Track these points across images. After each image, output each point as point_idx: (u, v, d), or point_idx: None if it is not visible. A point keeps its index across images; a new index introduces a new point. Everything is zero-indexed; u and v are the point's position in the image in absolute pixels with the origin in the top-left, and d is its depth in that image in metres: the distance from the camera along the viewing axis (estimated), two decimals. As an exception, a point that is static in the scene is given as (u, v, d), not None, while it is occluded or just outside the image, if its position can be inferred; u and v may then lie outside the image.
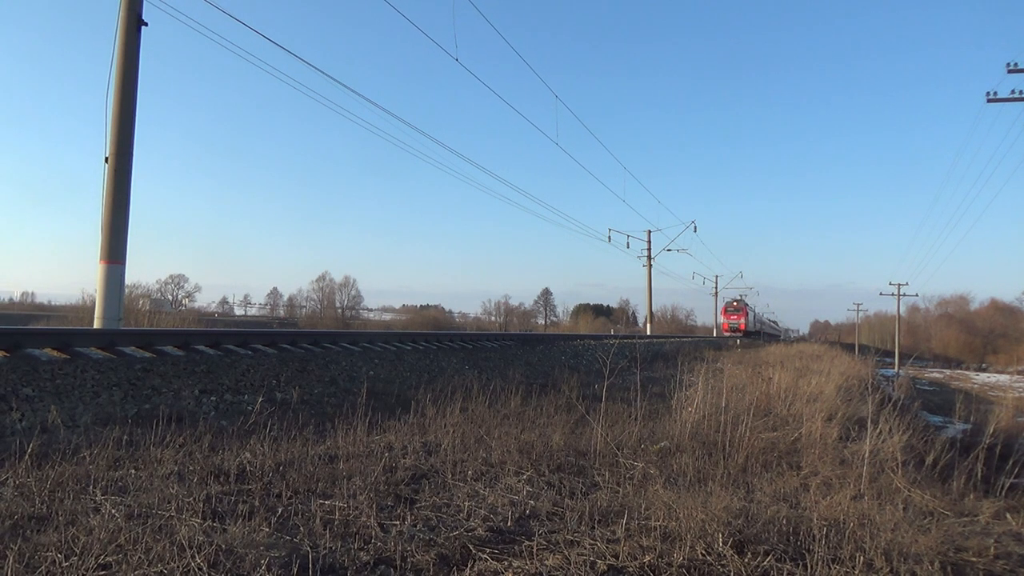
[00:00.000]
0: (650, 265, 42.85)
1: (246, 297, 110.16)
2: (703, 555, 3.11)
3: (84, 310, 24.75)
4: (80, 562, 2.64)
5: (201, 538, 2.94)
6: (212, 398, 7.01)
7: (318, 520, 3.36)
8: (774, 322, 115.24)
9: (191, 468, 4.25)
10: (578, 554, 3.09)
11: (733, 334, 58.07)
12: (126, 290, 12.79)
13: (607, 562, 3.01)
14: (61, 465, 4.05)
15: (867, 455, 5.11)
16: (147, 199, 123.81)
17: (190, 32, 60.53)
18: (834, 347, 35.40)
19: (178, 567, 2.63)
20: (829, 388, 9.46)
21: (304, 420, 6.04)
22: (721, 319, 61.70)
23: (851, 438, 6.42)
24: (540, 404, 7.28)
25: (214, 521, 3.27)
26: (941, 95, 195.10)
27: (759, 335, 68.55)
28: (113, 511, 3.25)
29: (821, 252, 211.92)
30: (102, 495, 3.57)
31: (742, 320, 59.29)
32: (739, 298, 63.74)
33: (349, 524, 3.38)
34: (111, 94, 11.49)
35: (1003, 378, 51.25)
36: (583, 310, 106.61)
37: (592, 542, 3.24)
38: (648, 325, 44.09)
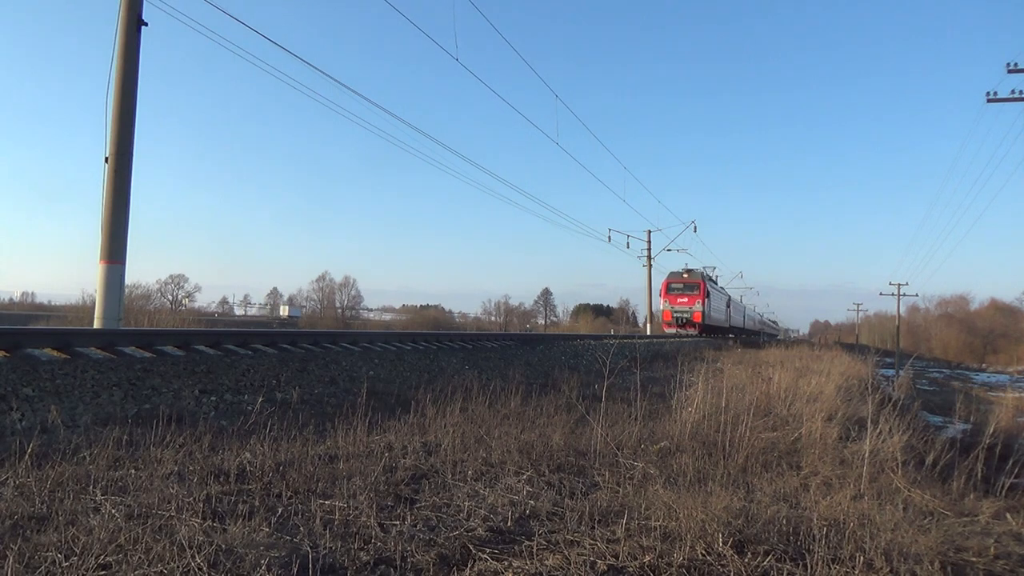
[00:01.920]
0: (650, 265, 42.82)
1: (246, 297, 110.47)
2: (703, 555, 3.11)
3: (84, 310, 24.76)
4: (80, 562, 2.64)
5: (201, 538, 2.94)
6: (212, 398, 7.00)
7: (318, 520, 3.36)
8: (774, 322, 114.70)
9: (191, 468, 4.25)
10: (578, 554, 3.09)
11: (681, 330, 36.81)
12: (127, 290, 12.79)
13: (607, 562, 3.01)
14: (61, 465, 4.05)
15: (867, 455, 5.11)
16: (147, 199, 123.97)
17: (189, 32, 60.54)
18: (834, 347, 35.27)
19: (178, 567, 2.63)
20: (829, 388, 9.46)
21: (304, 420, 6.03)
22: (660, 304, 38.80)
23: (851, 438, 6.42)
24: (540, 404, 7.28)
25: (214, 521, 3.27)
26: (941, 95, 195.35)
27: (756, 334, 58.52)
28: (113, 511, 3.25)
29: (821, 252, 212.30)
30: (102, 495, 3.57)
31: (697, 305, 37.08)
32: (692, 269, 40.09)
33: (349, 524, 3.38)
34: (111, 94, 11.50)
35: (1003, 378, 51.27)
36: (583, 310, 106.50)
37: (592, 542, 3.24)
38: (648, 325, 44.00)
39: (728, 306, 48.21)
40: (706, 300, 37.84)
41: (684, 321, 37.25)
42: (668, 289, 38.74)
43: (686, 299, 37.58)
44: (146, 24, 11.72)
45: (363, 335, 12.32)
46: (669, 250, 43.33)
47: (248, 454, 4.70)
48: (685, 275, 39.00)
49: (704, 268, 42.72)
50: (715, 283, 44.12)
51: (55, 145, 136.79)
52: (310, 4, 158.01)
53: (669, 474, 4.76)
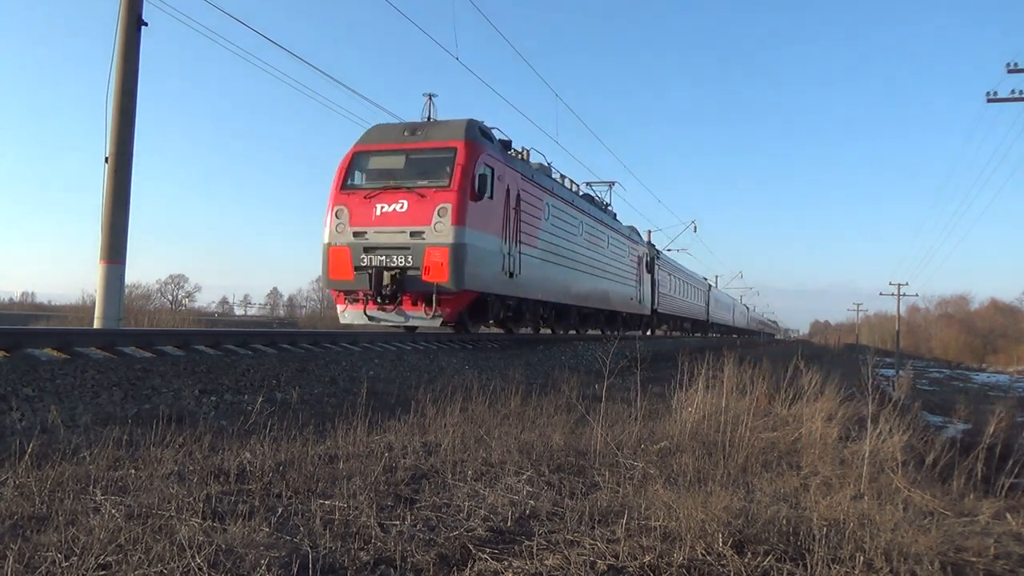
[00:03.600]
0: (650, 265, 42.34)
1: (246, 297, 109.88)
2: (703, 555, 3.11)
3: (84, 310, 24.82)
4: (80, 562, 2.64)
5: (201, 538, 2.94)
6: (212, 398, 7.00)
7: (318, 520, 3.36)
8: (773, 322, 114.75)
9: (191, 468, 4.25)
10: (578, 554, 3.09)
11: (383, 315, 11.57)
12: (127, 290, 12.79)
13: (607, 562, 3.01)
14: (61, 465, 4.05)
15: (867, 455, 5.11)
16: (147, 199, 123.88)
17: (190, 32, 60.61)
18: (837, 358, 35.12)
19: (178, 567, 2.63)
20: (829, 388, 9.45)
21: (304, 420, 6.03)
22: (327, 227, 11.32)
23: (851, 438, 6.42)
24: (540, 404, 7.28)
25: (214, 521, 3.26)
26: (941, 95, 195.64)
27: (754, 333, 56.53)
28: (113, 511, 3.25)
29: (821, 252, 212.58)
30: (102, 495, 3.56)
31: (440, 230, 10.51)
32: (445, 121, 11.85)
33: (349, 524, 3.38)
34: (111, 94, 11.51)
35: (1003, 378, 51.25)
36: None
37: (592, 542, 3.24)
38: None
39: (640, 265, 22.98)
40: (468, 212, 11.23)
41: (391, 284, 11.51)
42: (348, 176, 11.95)
43: (403, 206, 11.35)
44: (146, 24, 11.72)
45: (363, 335, 12.32)
46: (669, 250, 43.01)
47: (248, 454, 4.70)
48: (417, 131, 12.06)
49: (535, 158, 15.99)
50: (573, 186, 18.31)
51: (55, 144, 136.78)
52: (310, 4, 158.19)
53: (669, 474, 4.76)
